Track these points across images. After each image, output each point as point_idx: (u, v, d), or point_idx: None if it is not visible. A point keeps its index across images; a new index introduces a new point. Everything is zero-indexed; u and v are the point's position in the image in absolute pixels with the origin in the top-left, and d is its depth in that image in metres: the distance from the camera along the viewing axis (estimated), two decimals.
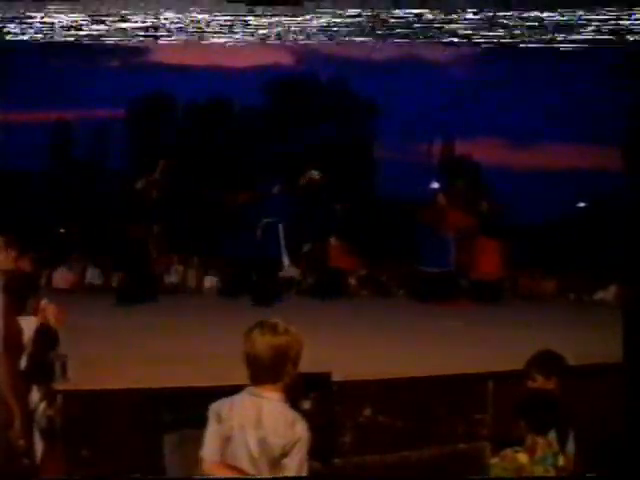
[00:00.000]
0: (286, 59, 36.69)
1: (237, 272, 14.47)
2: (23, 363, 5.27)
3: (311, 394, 6.54)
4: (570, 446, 5.23)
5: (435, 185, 17.66)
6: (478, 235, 14.83)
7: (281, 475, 3.91)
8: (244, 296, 13.37)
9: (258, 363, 3.98)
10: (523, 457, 5.02)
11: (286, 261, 13.64)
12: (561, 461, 5.07)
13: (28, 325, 5.66)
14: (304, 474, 3.93)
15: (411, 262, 15.75)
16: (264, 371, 3.99)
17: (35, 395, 5.55)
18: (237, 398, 4.04)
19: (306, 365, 6.69)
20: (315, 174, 14.13)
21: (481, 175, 31.87)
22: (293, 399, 4.17)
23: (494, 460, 5.14)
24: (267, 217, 13.46)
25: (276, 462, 3.91)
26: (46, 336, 6.00)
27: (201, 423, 4.25)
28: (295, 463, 3.91)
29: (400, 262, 18.20)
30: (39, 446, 5.44)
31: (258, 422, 3.95)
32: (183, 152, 27.88)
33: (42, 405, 5.61)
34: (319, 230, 15.69)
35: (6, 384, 4.59)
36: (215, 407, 4.05)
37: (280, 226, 13.53)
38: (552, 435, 5.10)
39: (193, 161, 25.34)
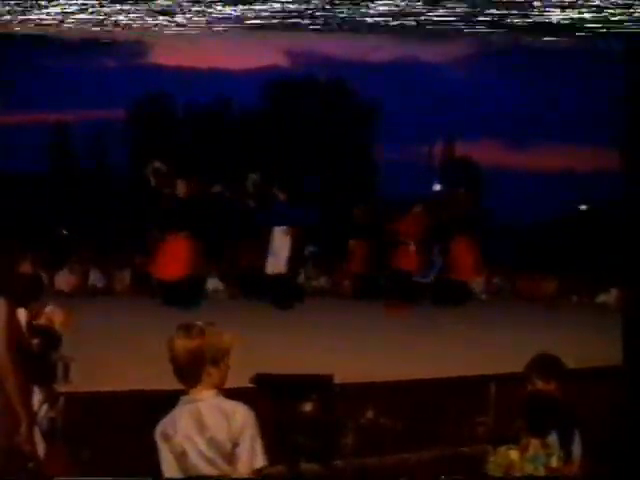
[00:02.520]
0: (285, 60, 36.76)
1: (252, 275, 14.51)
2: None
3: (313, 396, 6.55)
4: (576, 448, 5.25)
5: (437, 187, 17.78)
6: (456, 237, 14.88)
7: (237, 463, 3.93)
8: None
9: (177, 365, 4.04)
10: (514, 454, 5.10)
11: (270, 266, 13.65)
12: (554, 462, 5.12)
13: (20, 317, 5.68)
14: (259, 456, 3.95)
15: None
16: (184, 373, 4.03)
17: (37, 397, 5.54)
18: (176, 412, 4.06)
19: (308, 367, 6.71)
20: (159, 165, 14.07)
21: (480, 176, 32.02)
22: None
23: (491, 457, 5.21)
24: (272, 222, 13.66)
25: (230, 455, 3.94)
26: (49, 338, 6.01)
27: None
28: (246, 448, 3.93)
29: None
30: (40, 448, 5.43)
31: (201, 426, 3.97)
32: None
33: (44, 407, 5.61)
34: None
35: (13, 390, 4.60)
36: (159, 429, 4.06)
37: (275, 230, 13.63)
38: (552, 437, 5.13)
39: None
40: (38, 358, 5.71)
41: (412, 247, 14.89)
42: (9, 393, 4.59)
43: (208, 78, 34.23)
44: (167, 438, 4.00)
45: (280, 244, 13.60)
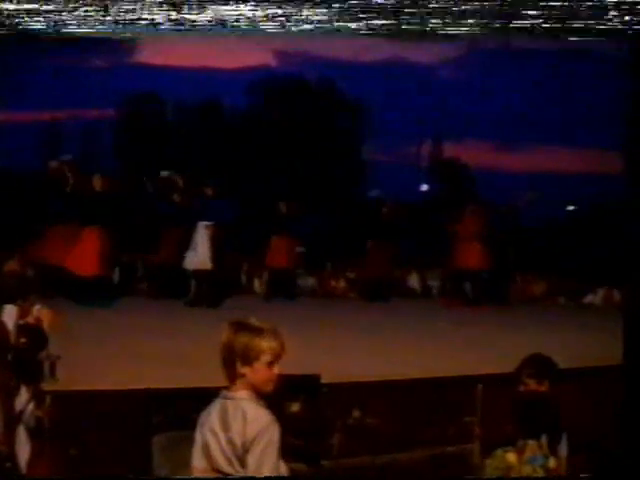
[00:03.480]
0: (275, 60, 36.72)
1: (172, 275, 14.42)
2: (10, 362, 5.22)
3: (300, 396, 6.54)
4: (562, 449, 5.23)
5: (424, 187, 17.99)
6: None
7: (244, 471, 3.95)
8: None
9: (220, 361, 4.09)
10: (512, 457, 5.09)
11: (189, 262, 13.57)
12: (552, 463, 5.10)
13: (9, 315, 5.64)
14: (266, 469, 3.92)
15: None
16: (222, 367, 4.08)
17: (23, 395, 5.51)
18: (212, 404, 4.12)
19: (295, 367, 6.69)
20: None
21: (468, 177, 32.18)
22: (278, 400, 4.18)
23: (488, 460, 5.20)
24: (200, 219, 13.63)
25: (242, 460, 3.95)
26: (35, 336, 5.97)
27: (190, 425, 4.27)
28: (255, 457, 3.92)
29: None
30: (27, 446, 5.41)
31: (224, 424, 4.00)
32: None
33: (30, 405, 5.58)
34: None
35: None
36: (201, 414, 4.13)
37: (199, 225, 13.58)
38: (544, 438, 5.12)
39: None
40: (25, 357, 5.68)
41: (477, 245, 15.02)
42: None
43: (198, 77, 34.19)
44: (201, 425, 4.08)
45: (201, 239, 13.54)
